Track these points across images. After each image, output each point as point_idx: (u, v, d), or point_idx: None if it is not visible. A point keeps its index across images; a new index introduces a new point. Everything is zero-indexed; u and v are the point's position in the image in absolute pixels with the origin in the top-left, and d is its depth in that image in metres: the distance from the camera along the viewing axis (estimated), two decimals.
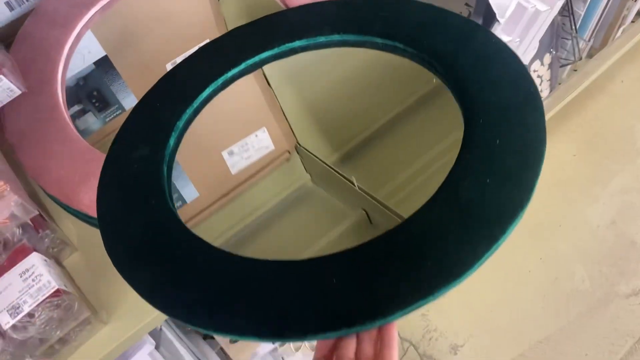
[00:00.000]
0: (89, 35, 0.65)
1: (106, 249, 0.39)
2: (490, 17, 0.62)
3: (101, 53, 0.68)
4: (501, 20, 0.60)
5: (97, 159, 0.51)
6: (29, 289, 0.42)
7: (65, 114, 0.54)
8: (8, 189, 0.42)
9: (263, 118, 0.65)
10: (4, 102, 0.52)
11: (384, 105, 0.72)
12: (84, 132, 0.75)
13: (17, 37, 0.57)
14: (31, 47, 0.56)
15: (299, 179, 0.71)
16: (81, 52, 0.67)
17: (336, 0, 0.56)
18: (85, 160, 0.51)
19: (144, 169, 0.44)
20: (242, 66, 0.53)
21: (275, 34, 0.54)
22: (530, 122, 0.41)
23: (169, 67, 0.76)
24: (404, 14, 0.52)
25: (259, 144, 0.65)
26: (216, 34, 0.76)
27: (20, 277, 0.42)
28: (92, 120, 0.75)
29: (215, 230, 0.66)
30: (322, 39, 0.53)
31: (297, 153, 0.69)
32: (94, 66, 0.72)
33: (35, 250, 0.44)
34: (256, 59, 0.53)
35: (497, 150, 0.40)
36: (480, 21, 0.62)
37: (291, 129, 0.67)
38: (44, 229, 0.49)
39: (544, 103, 0.97)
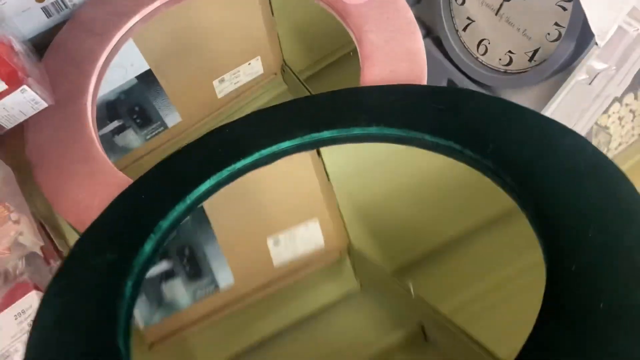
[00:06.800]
0: (131, 47, 0.60)
1: None
2: (584, 39, 0.53)
3: (145, 67, 0.64)
4: (600, 43, 0.50)
5: (121, 184, 0.45)
6: (23, 334, 0.36)
7: (93, 131, 0.49)
8: (10, 214, 0.36)
9: (316, 210, 0.56)
10: (29, 115, 0.47)
11: (454, 218, 0.60)
12: (122, 149, 0.71)
13: (51, 46, 0.52)
14: (64, 57, 0.51)
15: (347, 283, 0.61)
16: (123, 65, 0.63)
17: (380, 86, 0.46)
18: (106, 184, 0.45)
19: (99, 284, 0.35)
20: (256, 156, 0.42)
21: (299, 121, 0.44)
22: None
23: (216, 84, 0.70)
24: (465, 108, 0.41)
25: (309, 237, 0.57)
26: (268, 51, 0.71)
27: (15, 319, 0.36)
28: (132, 137, 0.71)
29: (245, 327, 0.58)
30: (357, 130, 0.43)
31: (349, 255, 0.60)
32: (136, 80, 0.67)
33: (36, 287, 0.39)
34: (274, 148, 0.43)
35: (599, 320, 0.26)
36: (572, 45, 0.53)
37: (345, 228, 0.58)
38: (55, 260, 0.43)
39: (636, 142, 0.85)
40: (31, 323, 0.36)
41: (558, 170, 0.34)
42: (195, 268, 0.59)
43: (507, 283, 0.54)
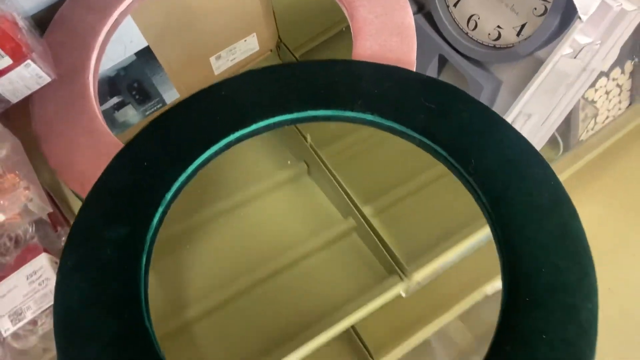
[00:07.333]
0: (130, 24, 0.62)
1: None
2: (569, 14, 0.55)
3: (143, 43, 0.65)
4: (583, 17, 0.52)
5: None
6: (35, 293, 0.38)
7: (95, 105, 0.51)
8: (20, 181, 0.39)
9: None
10: (33, 90, 0.49)
11: None
12: (122, 125, 0.73)
13: (52, 22, 0.54)
14: (65, 33, 0.53)
15: None
16: (122, 41, 0.64)
17: (375, 65, 0.48)
18: (110, 155, 0.47)
19: (117, 260, 0.37)
20: (253, 127, 0.44)
21: (296, 94, 0.46)
22: (583, 319, 0.34)
23: (213, 61, 0.72)
24: (453, 114, 0.44)
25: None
26: (264, 27, 0.72)
27: (27, 279, 0.39)
28: (131, 113, 0.72)
29: None
30: (350, 113, 0.45)
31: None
32: (135, 57, 0.69)
33: (46, 250, 0.41)
34: (269, 121, 0.44)
35: (541, 349, 0.34)
36: (557, 19, 0.54)
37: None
38: (62, 227, 0.46)
39: (623, 115, 0.87)
40: (42, 282, 0.38)
41: (526, 203, 0.39)
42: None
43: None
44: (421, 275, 0.52)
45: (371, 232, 0.54)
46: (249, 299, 0.53)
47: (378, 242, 0.53)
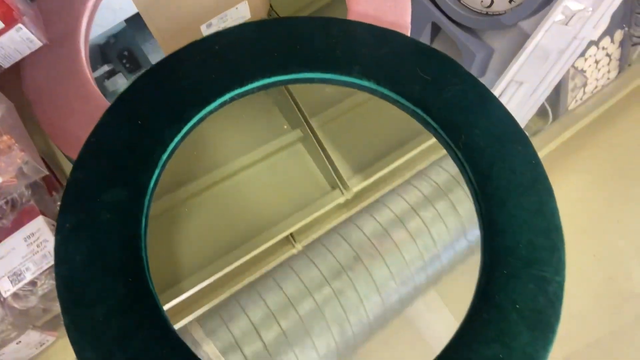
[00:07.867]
0: None
1: (68, 334, 0.33)
2: None
3: (133, 10, 0.64)
4: None
5: None
6: (33, 255, 0.39)
7: (87, 70, 0.50)
8: (15, 144, 0.38)
9: None
10: (24, 54, 0.49)
11: None
12: (113, 94, 0.72)
13: None
14: None
15: None
16: (112, 7, 0.63)
17: (371, 28, 0.47)
18: None
19: (117, 223, 0.36)
20: (248, 87, 0.43)
21: (294, 55, 0.45)
22: (551, 291, 0.38)
23: (204, 29, 0.71)
24: (448, 87, 0.45)
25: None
26: None
27: (25, 241, 0.39)
28: (122, 82, 0.72)
29: None
30: (347, 78, 0.45)
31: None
32: (124, 24, 0.68)
33: (43, 213, 0.41)
34: (266, 81, 0.44)
35: (513, 317, 0.37)
36: None
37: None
38: (57, 192, 0.46)
39: (611, 85, 0.88)
40: (40, 244, 0.39)
41: (509, 180, 0.41)
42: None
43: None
44: (360, 188, 0.55)
45: (317, 145, 0.55)
46: (194, 207, 0.53)
47: (323, 155, 0.55)
